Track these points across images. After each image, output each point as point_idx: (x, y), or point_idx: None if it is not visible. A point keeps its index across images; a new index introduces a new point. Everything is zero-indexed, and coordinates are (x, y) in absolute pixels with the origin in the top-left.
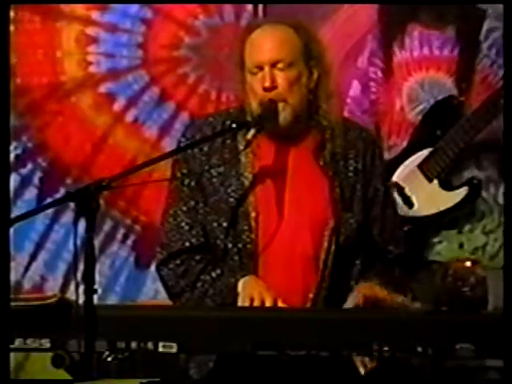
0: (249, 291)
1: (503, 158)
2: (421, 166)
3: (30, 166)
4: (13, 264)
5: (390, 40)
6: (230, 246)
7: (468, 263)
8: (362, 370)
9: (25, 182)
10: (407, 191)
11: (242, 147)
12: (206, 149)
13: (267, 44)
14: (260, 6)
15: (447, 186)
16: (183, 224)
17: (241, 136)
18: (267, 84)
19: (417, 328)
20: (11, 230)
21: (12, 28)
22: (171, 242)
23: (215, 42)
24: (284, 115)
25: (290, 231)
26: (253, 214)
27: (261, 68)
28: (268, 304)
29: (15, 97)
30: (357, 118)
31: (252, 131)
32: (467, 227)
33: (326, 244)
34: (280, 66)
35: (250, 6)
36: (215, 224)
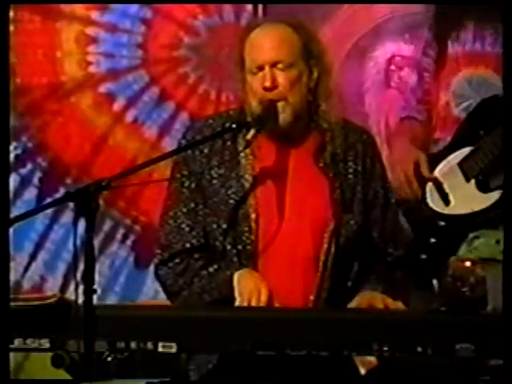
0: (244, 283)
1: (504, 160)
2: (461, 164)
3: (29, 166)
4: (13, 264)
5: (445, 32)
6: (229, 247)
7: (468, 263)
8: (362, 370)
9: (25, 182)
10: (446, 187)
11: (241, 148)
12: (206, 150)
13: (267, 43)
14: (260, 6)
15: (483, 187)
16: (183, 225)
17: (241, 138)
18: (268, 84)
19: (417, 328)
20: (11, 230)
21: (12, 28)
22: (172, 244)
23: (215, 41)
24: (284, 115)
25: (290, 233)
26: (253, 216)
27: (261, 68)
28: (263, 295)
29: (15, 97)
30: (413, 108)
31: (252, 131)
32: None
33: (326, 245)
34: (280, 66)
35: (249, 6)
36: (215, 225)
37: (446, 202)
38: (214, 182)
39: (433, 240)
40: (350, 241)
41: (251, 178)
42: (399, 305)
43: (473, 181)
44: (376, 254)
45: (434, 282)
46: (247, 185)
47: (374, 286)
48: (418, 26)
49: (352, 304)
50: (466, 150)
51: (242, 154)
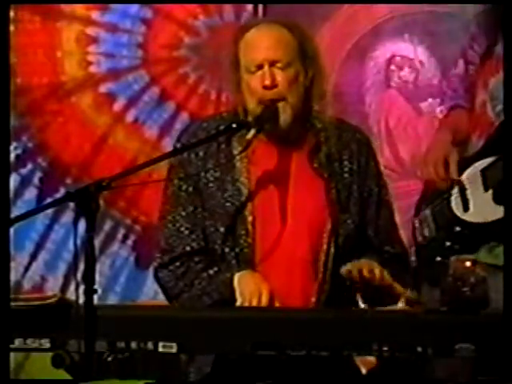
0: (245, 284)
1: (504, 160)
2: (483, 172)
3: (29, 166)
4: (13, 264)
5: (491, 30)
6: (227, 250)
7: (468, 263)
8: (363, 370)
9: (25, 181)
10: (468, 193)
11: (236, 152)
12: (201, 154)
13: (264, 43)
14: (260, 6)
15: (499, 198)
16: (183, 229)
17: (236, 141)
18: (268, 82)
19: (417, 328)
20: (11, 230)
21: (12, 28)
22: (172, 247)
23: (215, 41)
24: (285, 116)
25: (288, 234)
26: (250, 219)
27: (260, 67)
28: (265, 296)
29: (15, 97)
30: (460, 97)
31: (252, 131)
32: None
33: (325, 246)
34: (279, 65)
35: (249, 6)
36: (213, 229)
37: (466, 208)
38: (211, 185)
39: (448, 243)
40: (348, 240)
41: (247, 180)
42: (386, 275)
43: (491, 191)
44: (373, 252)
45: None
46: (243, 188)
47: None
48: (420, 25)
49: (343, 268)
50: (491, 159)
51: (238, 157)
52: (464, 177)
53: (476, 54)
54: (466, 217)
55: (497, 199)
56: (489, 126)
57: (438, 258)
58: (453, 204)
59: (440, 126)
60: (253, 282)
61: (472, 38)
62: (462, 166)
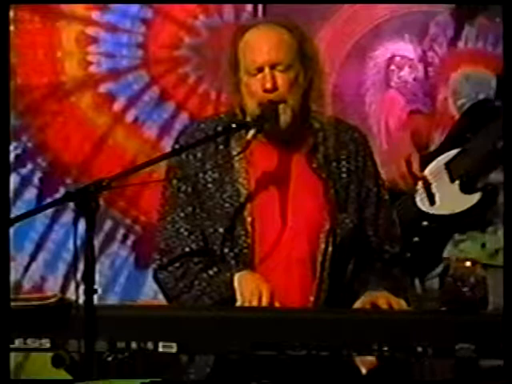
0: (245, 284)
1: (504, 160)
2: (448, 165)
3: (29, 166)
4: (13, 264)
5: (449, 28)
6: (226, 251)
7: (468, 263)
8: (363, 370)
9: (25, 181)
10: (433, 188)
11: (235, 152)
12: (199, 154)
13: (265, 45)
14: (260, 6)
15: (466, 188)
16: (182, 230)
17: (234, 141)
18: (269, 86)
19: (417, 328)
20: (11, 230)
21: (12, 28)
22: (171, 249)
23: (215, 42)
24: (285, 117)
25: (287, 235)
26: (249, 219)
27: (260, 69)
28: (265, 296)
29: (15, 97)
30: (420, 101)
31: (252, 131)
32: (491, 228)
33: (322, 246)
34: (280, 67)
35: (249, 6)
36: (212, 230)
37: (432, 201)
38: (209, 186)
39: (416, 239)
40: (346, 240)
41: (246, 181)
42: (402, 303)
43: (457, 182)
44: (372, 252)
45: (416, 282)
46: (242, 188)
47: (375, 285)
48: (419, 25)
49: (357, 304)
50: (454, 152)
51: (236, 158)
52: (427, 172)
53: (435, 55)
54: (433, 210)
55: (464, 189)
56: (450, 122)
57: (408, 254)
58: (417, 200)
59: (400, 129)
60: (253, 283)
61: (432, 39)
62: (424, 161)
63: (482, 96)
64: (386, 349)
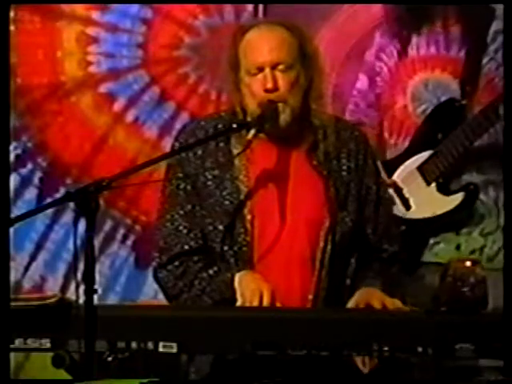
0: (246, 284)
1: (503, 161)
2: (420, 169)
3: (29, 165)
4: (13, 264)
5: (398, 37)
6: (226, 248)
7: (468, 263)
8: (363, 369)
9: (25, 181)
10: (405, 192)
11: (236, 150)
12: (199, 152)
13: (267, 45)
14: (260, 6)
15: (445, 190)
16: (181, 228)
17: (235, 139)
18: (270, 86)
19: (417, 328)
20: (11, 230)
21: (12, 28)
22: (170, 247)
23: (215, 42)
24: (284, 116)
25: (287, 232)
26: (248, 217)
27: (261, 69)
28: (266, 296)
29: (15, 97)
30: (362, 112)
31: (252, 131)
32: (465, 229)
33: (322, 243)
34: (281, 67)
35: (250, 6)
36: (211, 227)
37: (407, 206)
38: (209, 183)
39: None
40: (345, 238)
41: (246, 179)
42: (397, 302)
43: (434, 184)
44: (371, 250)
45: None
46: (242, 186)
47: (371, 282)
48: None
49: (350, 302)
50: (425, 154)
51: (236, 156)
52: (396, 177)
53: (383, 64)
54: (410, 215)
55: (443, 190)
56: (413, 127)
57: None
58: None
59: None
60: (254, 283)
61: (379, 49)
62: (389, 168)
63: (443, 99)
64: (386, 349)
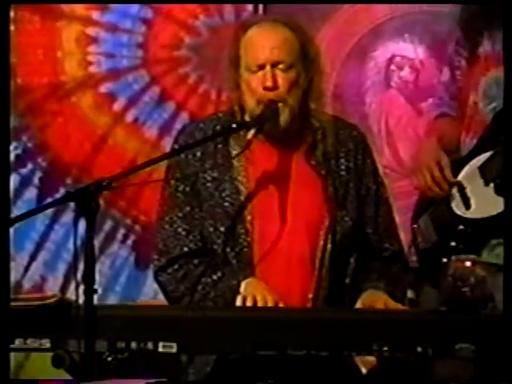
0: (251, 292)
1: (504, 160)
2: (481, 168)
3: (30, 165)
4: (13, 264)
5: (475, 30)
6: (227, 249)
7: (468, 263)
8: (363, 369)
9: (25, 181)
10: (468, 192)
11: (235, 151)
12: (198, 154)
13: (269, 43)
14: (260, 6)
15: (500, 190)
16: (180, 230)
17: (233, 140)
18: (269, 84)
19: (417, 328)
20: (11, 230)
21: (12, 28)
22: (169, 249)
23: (215, 42)
24: (283, 116)
25: (287, 232)
26: (248, 218)
27: (261, 67)
28: (270, 304)
29: (15, 97)
30: (446, 105)
31: (252, 131)
32: None
33: (321, 243)
34: (281, 66)
35: (250, 6)
36: (211, 229)
37: (467, 206)
38: (208, 185)
39: (453, 244)
40: (345, 237)
41: (245, 179)
42: (400, 307)
43: (491, 185)
44: (372, 249)
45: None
46: (241, 187)
47: (375, 283)
48: (420, 26)
49: (356, 305)
50: (488, 154)
51: (235, 156)
52: (461, 177)
53: (462, 58)
54: (469, 214)
55: (499, 191)
56: (482, 126)
57: (444, 260)
58: (453, 205)
59: (426, 134)
60: (259, 292)
61: (457, 43)
62: (457, 166)
63: None
64: (385, 349)
